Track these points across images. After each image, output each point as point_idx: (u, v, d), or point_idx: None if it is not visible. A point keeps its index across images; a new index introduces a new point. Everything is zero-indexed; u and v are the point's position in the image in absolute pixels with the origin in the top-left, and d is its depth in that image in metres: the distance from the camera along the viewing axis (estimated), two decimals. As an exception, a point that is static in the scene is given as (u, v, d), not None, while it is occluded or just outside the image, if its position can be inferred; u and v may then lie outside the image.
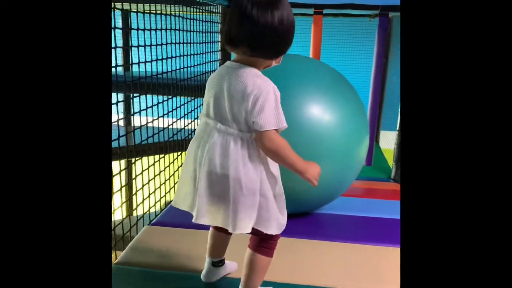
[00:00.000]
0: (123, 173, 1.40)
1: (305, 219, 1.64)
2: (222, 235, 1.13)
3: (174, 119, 1.90)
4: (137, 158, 1.56)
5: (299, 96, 1.43)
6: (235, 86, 0.92)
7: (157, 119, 1.67)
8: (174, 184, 1.91)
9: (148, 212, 1.71)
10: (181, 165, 2.02)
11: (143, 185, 1.62)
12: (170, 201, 1.81)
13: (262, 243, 1.03)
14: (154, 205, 1.72)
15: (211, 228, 1.15)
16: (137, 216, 1.67)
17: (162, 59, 1.66)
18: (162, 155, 1.82)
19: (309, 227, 1.57)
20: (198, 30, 2.22)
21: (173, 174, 1.91)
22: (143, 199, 1.64)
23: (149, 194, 1.65)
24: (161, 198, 1.77)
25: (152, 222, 1.57)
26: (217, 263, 1.17)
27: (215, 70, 2.59)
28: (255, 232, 0.99)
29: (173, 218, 1.59)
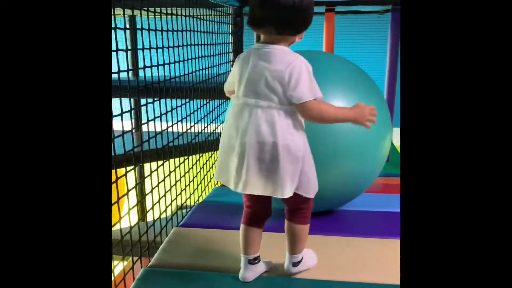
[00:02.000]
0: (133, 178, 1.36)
1: (328, 216, 1.63)
2: (254, 229, 1.14)
3: (190, 124, 1.87)
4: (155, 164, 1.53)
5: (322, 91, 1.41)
6: (269, 64, 0.99)
7: (172, 126, 1.63)
8: (198, 184, 1.90)
9: (161, 217, 1.67)
10: (202, 166, 2.02)
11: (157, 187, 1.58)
12: (192, 204, 1.82)
13: (297, 213, 1.11)
14: (165, 209, 1.70)
15: (242, 225, 1.16)
16: (152, 219, 1.61)
17: (173, 62, 1.61)
18: (184, 158, 1.81)
19: (331, 224, 1.56)
20: (209, 31, 2.20)
21: (196, 175, 1.90)
22: (159, 200, 1.62)
23: (164, 195, 1.63)
24: (172, 200, 1.76)
25: (180, 223, 1.56)
26: (253, 260, 1.16)
27: (227, 72, 2.60)
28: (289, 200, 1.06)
29: (200, 219, 1.59)
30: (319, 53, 1.63)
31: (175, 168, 1.67)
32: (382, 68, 2.89)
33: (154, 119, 1.47)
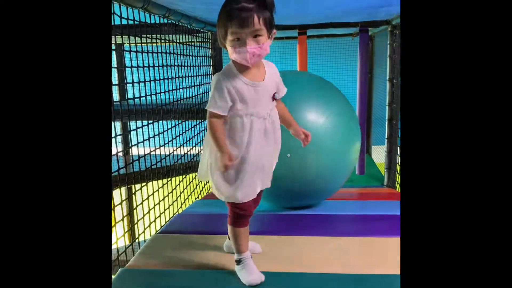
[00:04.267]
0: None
1: (303, 219, 1.72)
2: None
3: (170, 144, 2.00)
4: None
5: (302, 104, 1.67)
6: None
7: (159, 148, 1.80)
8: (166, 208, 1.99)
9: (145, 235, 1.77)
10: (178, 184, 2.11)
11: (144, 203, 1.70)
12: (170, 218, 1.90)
13: (230, 218, 1.21)
14: (145, 230, 1.79)
15: (242, 229, 1.26)
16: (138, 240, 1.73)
17: (154, 80, 1.78)
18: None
19: (307, 225, 1.64)
20: (190, 54, 2.36)
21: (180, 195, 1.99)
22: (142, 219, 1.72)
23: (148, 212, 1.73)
24: (156, 218, 1.85)
25: (159, 231, 1.63)
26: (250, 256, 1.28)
27: (208, 92, 2.74)
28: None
29: (179, 227, 1.66)
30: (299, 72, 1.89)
31: (158, 189, 1.78)
32: (355, 90, 3.06)
33: (143, 142, 1.65)
